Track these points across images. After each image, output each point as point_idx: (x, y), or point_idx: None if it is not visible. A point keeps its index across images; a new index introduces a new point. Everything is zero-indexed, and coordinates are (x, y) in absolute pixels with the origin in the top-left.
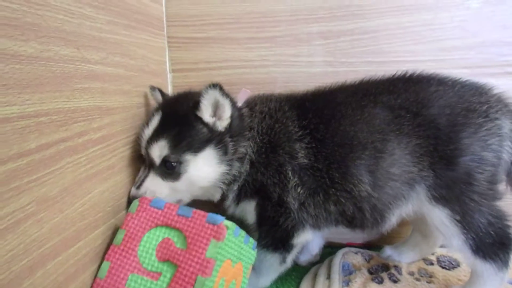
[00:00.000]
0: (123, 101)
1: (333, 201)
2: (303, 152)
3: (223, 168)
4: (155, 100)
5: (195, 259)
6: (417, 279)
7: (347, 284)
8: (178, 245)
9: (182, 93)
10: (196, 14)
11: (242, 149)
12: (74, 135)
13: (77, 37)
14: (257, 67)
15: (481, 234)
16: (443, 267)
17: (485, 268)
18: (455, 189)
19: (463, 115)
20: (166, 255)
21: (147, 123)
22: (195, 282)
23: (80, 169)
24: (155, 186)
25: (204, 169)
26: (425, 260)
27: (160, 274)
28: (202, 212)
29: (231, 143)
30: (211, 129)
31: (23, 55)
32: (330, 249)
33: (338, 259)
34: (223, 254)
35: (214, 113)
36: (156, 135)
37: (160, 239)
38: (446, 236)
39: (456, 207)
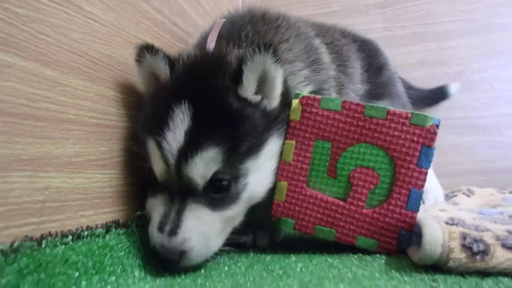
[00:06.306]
0: None
1: None
2: None
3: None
4: (147, 75)
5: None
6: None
7: None
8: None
9: (204, 58)
10: None
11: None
12: None
13: None
14: None
15: None
16: None
17: None
18: (387, 88)
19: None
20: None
21: (164, 124)
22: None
23: None
24: (202, 224)
25: (267, 169)
26: None
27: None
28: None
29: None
30: (263, 110)
31: None
32: None
33: None
34: None
35: (258, 89)
36: (197, 142)
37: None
38: None
39: (395, 100)
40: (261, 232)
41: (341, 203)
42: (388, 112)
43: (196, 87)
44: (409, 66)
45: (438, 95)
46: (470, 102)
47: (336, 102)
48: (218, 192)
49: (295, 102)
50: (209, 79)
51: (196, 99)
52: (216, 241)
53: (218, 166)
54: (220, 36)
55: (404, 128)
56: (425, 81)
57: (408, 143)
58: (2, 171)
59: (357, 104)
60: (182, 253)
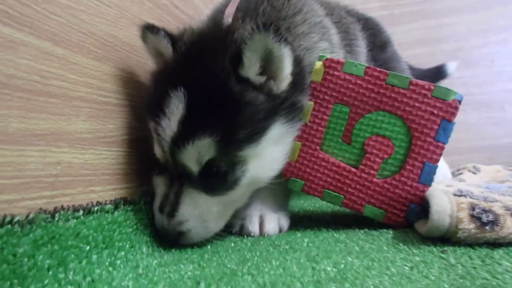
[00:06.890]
0: None
1: None
2: None
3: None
4: (155, 53)
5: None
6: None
7: None
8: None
9: (208, 35)
10: None
11: None
12: None
13: None
14: None
15: None
16: None
17: None
18: (392, 64)
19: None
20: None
21: (160, 110)
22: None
23: None
24: (198, 208)
25: (271, 156)
26: None
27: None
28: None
29: (302, 97)
30: (268, 93)
31: None
32: None
33: None
34: None
35: (263, 69)
36: (189, 131)
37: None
38: None
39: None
40: (269, 218)
41: (352, 169)
42: (410, 82)
43: (194, 70)
44: (407, 44)
45: (437, 74)
46: (471, 79)
47: (360, 67)
48: (214, 177)
49: (318, 64)
50: (208, 61)
51: (192, 84)
52: (215, 223)
53: (212, 154)
54: (237, 10)
55: (425, 100)
56: (424, 59)
57: (427, 115)
58: (18, 144)
59: (380, 71)
60: (180, 233)
